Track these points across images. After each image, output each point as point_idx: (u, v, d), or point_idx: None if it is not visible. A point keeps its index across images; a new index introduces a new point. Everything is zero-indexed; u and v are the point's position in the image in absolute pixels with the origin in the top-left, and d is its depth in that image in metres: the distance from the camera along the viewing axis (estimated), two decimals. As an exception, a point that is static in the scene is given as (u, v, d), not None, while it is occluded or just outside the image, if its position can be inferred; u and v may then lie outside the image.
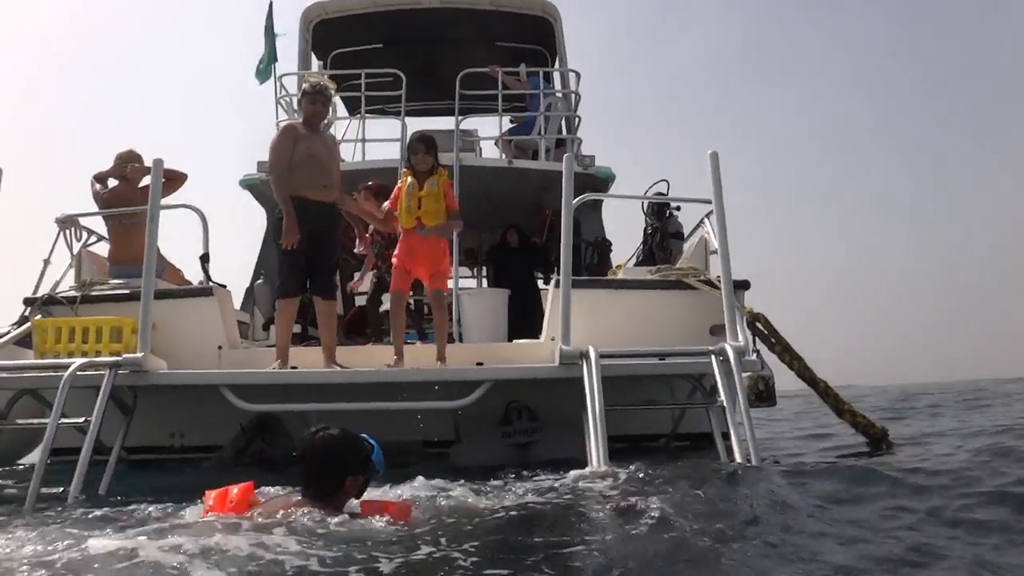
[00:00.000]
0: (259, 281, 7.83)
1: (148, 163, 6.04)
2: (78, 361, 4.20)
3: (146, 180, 5.80)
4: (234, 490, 2.72)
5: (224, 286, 5.61)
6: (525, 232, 8.53)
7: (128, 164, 5.91)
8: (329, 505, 2.69)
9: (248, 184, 7.84)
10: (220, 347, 5.31)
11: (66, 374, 4.05)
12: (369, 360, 5.15)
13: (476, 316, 6.89)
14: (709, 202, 5.13)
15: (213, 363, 5.16)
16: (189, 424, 5.34)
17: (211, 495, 2.77)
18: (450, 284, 6.29)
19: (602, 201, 7.69)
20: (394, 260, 5.15)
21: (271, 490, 3.09)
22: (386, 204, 5.32)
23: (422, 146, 5.12)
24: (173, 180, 5.71)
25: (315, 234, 5.05)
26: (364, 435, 2.97)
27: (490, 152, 8.95)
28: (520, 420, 4.94)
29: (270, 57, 8.54)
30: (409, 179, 5.07)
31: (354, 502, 2.81)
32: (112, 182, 5.92)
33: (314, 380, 4.61)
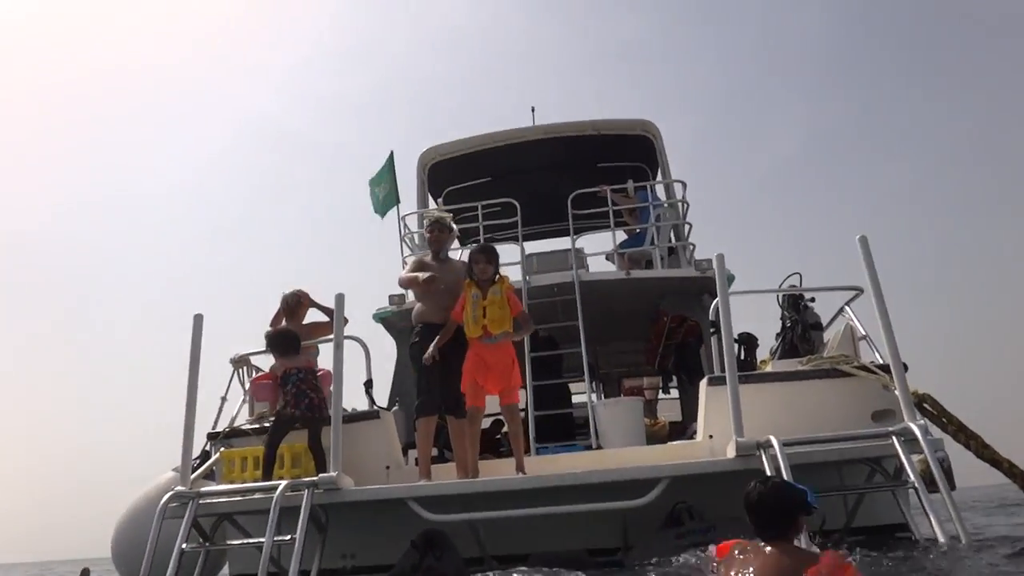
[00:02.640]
0: (395, 408, 8.17)
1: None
2: (284, 482, 4.49)
3: (310, 316, 6.33)
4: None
5: (387, 409, 5.92)
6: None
7: (292, 300, 6.42)
8: (789, 542, 3.16)
9: (381, 317, 8.31)
10: (388, 467, 5.56)
11: (276, 493, 4.35)
12: (499, 472, 5.37)
13: (612, 424, 7.00)
14: (856, 288, 5.22)
15: (383, 482, 5.39)
16: (361, 544, 5.51)
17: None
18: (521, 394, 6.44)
19: None
20: (464, 375, 5.32)
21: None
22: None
23: (483, 256, 5.43)
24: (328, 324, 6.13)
25: (445, 356, 5.37)
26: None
27: (596, 267, 9.28)
28: (692, 520, 4.92)
29: (392, 198, 9.24)
30: (473, 290, 5.33)
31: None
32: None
33: (500, 487, 4.78)
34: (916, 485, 3.94)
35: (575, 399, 11.14)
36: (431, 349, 5.30)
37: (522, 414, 10.67)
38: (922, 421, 4.28)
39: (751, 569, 3.05)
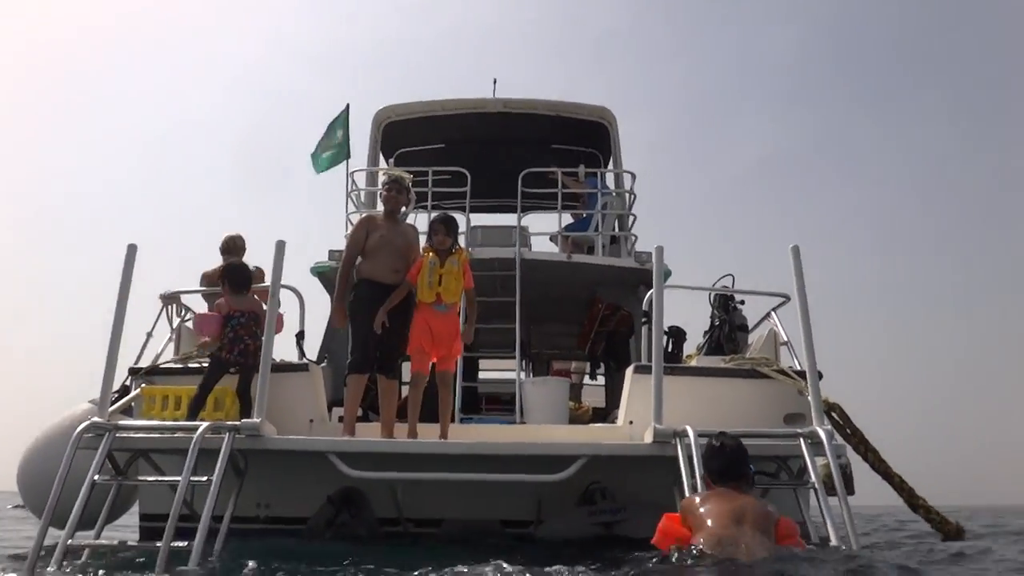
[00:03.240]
0: (323, 364, 8.14)
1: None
2: (205, 424, 4.45)
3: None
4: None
5: (317, 363, 5.91)
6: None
7: (230, 250, 6.33)
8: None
9: (318, 271, 8.24)
10: (311, 420, 5.57)
11: (196, 434, 4.30)
12: (422, 437, 5.38)
13: (538, 402, 7.15)
14: (783, 296, 5.44)
15: (305, 434, 5.39)
16: (277, 495, 5.51)
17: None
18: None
19: None
20: (410, 339, 5.41)
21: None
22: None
23: (443, 227, 5.53)
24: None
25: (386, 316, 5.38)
26: None
27: (539, 247, 9.38)
28: (604, 500, 5.10)
29: (342, 152, 9.13)
30: (430, 255, 5.44)
31: None
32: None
33: (422, 450, 4.84)
34: (816, 486, 4.17)
35: (504, 375, 11.29)
36: (380, 315, 5.32)
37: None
38: (828, 427, 4.52)
39: (733, 505, 3.34)
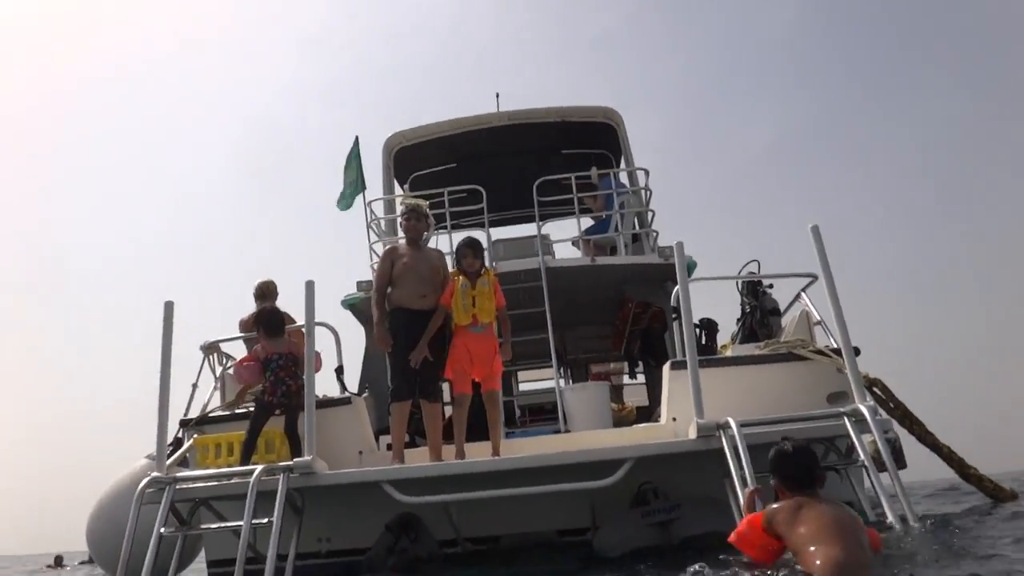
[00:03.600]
0: (365, 395, 8.26)
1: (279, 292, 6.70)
2: (259, 467, 4.58)
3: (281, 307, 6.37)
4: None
5: (359, 395, 6.02)
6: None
7: (264, 295, 6.49)
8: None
9: (349, 304, 8.37)
10: (360, 452, 5.68)
11: (252, 478, 4.43)
12: (472, 456, 5.46)
13: (580, 409, 7.19)
14: (810, 275, 5.45)
15: (356, 466, 5.49)
16: (336, 528, 5.62)
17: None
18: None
19: None
20: (450, 362, 5.54)
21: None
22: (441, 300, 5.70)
23: (470, 251, 5.68)
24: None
25: (417, 341, 5.49)
26: None
27: (561, 253, 9.45)
28: (657, 499, 5.13)
29: (358, 185, 9.27)
30: (461, 279, 5.57)
31: None
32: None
33: (472, 469, 4.91)
34: (866, 463, 4.17)
35: (543, 384, 11.33)
36: (421, 347, 5.45)
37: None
38: (871, 403, 4.52)
39: (822, 516, 3.25)
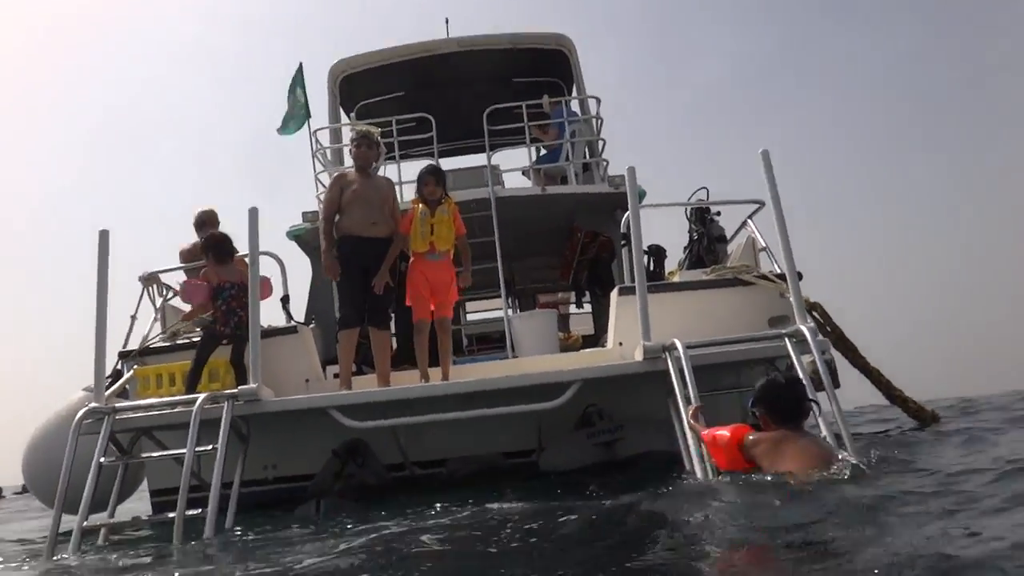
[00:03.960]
0: (311, 325, 8.17)
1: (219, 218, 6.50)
2: (202, 395, 4.49)
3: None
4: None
5: (305, 325, 5.93)
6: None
7: (204, 224, 6.28)
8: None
9: (294, 235, 8.19)
10: (307, 380, 5.62)
11: (196, 406, 4.35)
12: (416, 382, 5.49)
13: (528, 336, 7.23)
14: (758, 202, 5.49)
15: (303, 395, 5.44)
16: (282, 456, 5.60)
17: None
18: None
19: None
20: (409, 289, 5.55)
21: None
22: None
23: (432, 178, 5.64)
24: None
25: (367, 269, 5.43)
26: None
27: (512, 184, 9.36)
28: (602, 421, 5.22)
29: (304, 113, 8.97)
30: (420, 207, 5.54)
31: None
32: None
33: (420, 394, 4.91)
34: (804, 381, 4.27)
35: (491, 315, 11.35)
36: (381, 274, 5.40)
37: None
38: (812, 324, 4.62)
39: (802, 452, 3.29)
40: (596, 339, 8.79)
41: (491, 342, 9.12)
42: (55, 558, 4.02)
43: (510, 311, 11.21)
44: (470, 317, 10.98)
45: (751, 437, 3.48)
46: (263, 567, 2.81)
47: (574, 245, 9.26)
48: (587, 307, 11.15)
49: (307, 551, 3.01)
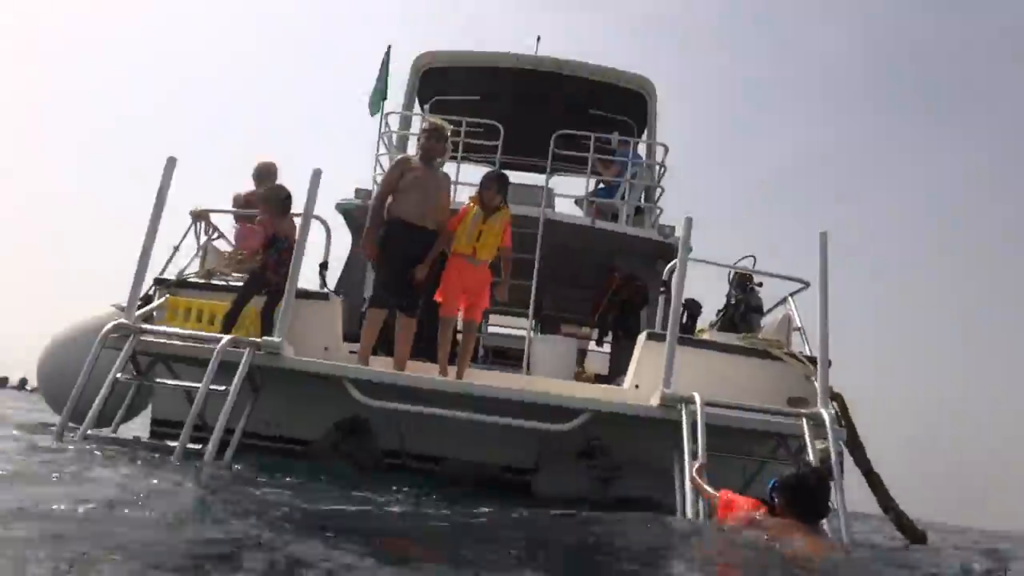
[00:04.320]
0: (339, 296, 8.28)
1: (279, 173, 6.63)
2: (226, 337, 4.58)
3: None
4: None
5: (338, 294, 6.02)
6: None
7: (263, 176, 6.43)
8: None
9: (344, 209, 8.33)
10: (326, 348, 5.69)
11: (219, 345, 4.43)
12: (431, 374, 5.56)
13: (546, 359, 7.27)
14: (803, 282, 5.51)
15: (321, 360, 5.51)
16: (286, 416, 5.66)
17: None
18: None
19: None
20: (442, 286, 5.59)
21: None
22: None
23: (495, 184, 5.65)
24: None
25: (409, 256, 5.49)
26: None
27: (562, 209, 9.42)
28: (603, 456, 5.22)
29: (382, 94, 9.15)
30: (476, 208, 5.53)
31: None
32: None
33: (434, 386, 4.95)
34: (813, 464, 4.27)
35: (511, 332, 11.39)
36: (422, 269, 5.46)
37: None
38: (833, 411, 4.61)
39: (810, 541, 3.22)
40: (609, 380, 8.80)
41: (508, 358, 9.15)
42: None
43: (533, 332, 11.29)
44: (491, 330, 11.01)
45: (766, 520, 3.43)
46: (253, 491, 2.86)
47: (609, 283, 9.30)
48: (606, 347, 11.18)
49: (301, 492, 3.06)
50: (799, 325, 5.75)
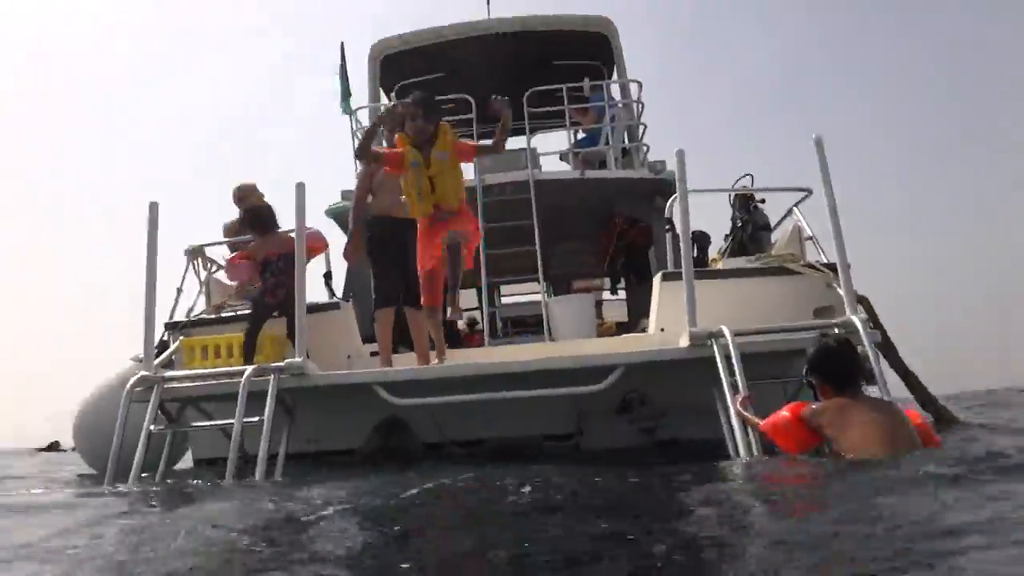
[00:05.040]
0: (349, 302, 8.24)
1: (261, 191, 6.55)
2: (250, 367, 4.56)
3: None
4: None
5: (347, 300, 5.99)
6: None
7: (244, 198, 6.34)
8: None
9: (333, 213, 8.25)
10: (349, 356, 5.68)
11: (244, 377, 4.41)
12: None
13: (565, 320, 7.23)
14: (805, 190, 5.42)
15: (345, 370, 5.50)
16: (325, 430, 5.66)
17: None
18: None
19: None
20: (420, 263, 4.87)
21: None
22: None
23: (419, 110, 4.34)
24: (314, 249, 5.87)
25: (402, 248, 5.42)
26: None
27: (549, 167, 9.31)
28: (643, 407, 5.21)
29: (346, 91, 9.01)
30: (411, 155, 4.40)
31: None
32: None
33: (463, 372, 4.92)
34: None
35: (528, 298, 11.37)
36: (355, 252, 5.33)
37: (473, 313, 10.86)
38: (863, 315, 4.56)
39: (871, 422, 3.14)
40: (630, 326, 8.77)
41: (526, 326, 9.13)
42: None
43: (545, 296, 11.26)
44: (504, 300, 10.98)
45: (813, 407, 3.38)
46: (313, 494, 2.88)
47: (611, 231, 9.23)
48: (621, 293, 11.14)
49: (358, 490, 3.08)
50: (810, 234, 5.68)
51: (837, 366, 3.39)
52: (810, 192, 5.59)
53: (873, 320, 5.57)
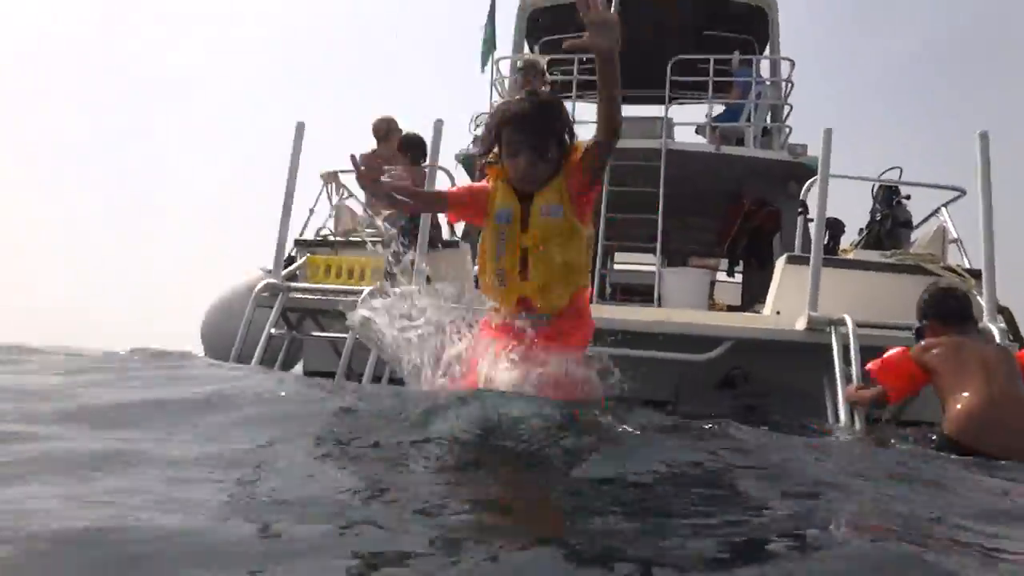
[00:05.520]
0: (467, 246, 8.42)
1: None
2: (368, 288, 4.76)
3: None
4: None
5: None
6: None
7: (384, 130, 6.55)
8: None
9: (464, 158, 8.39)
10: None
11: (362, 296, 4.61)
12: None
13: (677, 292, 7.12)
14: (958, 190, 5.08)
15: (455, 308, 5.65)
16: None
17: None
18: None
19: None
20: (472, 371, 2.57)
21: None
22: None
23: (527, 125, 2.44)
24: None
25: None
26: None
27: (683, 139, 9.09)
28: (746, 384, 5.10)
29: (491, 44, 9.10)
30: (498, 199, 2.53)
31: None
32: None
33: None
34: None
35: (641, 267, 11.26)
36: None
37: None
38: (1003, 325, 4.27)
39: (982, 356, 3.27)
40: (742, 310, 8.54)
41: (636, 294, 9.04)
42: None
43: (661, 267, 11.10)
44: (616, 267, 10.90)
45: (925, 344, 3.45)
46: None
47: (738, 211, 8.95)
48: (737, 277, 10.83)
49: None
50: (955, 237, 5.33)
51: (949, 301, 3.53)
52: (963, 192, 5.23)
53: (1013, 332, 5.20)
